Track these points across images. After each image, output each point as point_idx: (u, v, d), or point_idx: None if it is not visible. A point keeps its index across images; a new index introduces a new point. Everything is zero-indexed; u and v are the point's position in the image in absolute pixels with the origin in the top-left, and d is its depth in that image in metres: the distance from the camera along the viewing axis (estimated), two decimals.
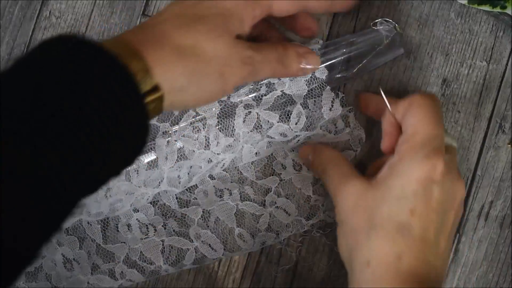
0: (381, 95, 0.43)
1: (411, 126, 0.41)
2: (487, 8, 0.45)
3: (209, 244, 0.46)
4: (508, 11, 0.44)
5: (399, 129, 0.42)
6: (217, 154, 0.45)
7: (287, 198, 0.47)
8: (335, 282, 0.47)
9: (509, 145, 0.48)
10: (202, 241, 0.46)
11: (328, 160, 0.44)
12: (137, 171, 0.45)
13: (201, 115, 0.46)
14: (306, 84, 0.46)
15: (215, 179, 0.47)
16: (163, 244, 0.47)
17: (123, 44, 0.34)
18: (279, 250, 0.48)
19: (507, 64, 0.48)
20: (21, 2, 0.50)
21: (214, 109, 0.46)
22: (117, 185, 0.44)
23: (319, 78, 0.46)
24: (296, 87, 0.46)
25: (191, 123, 0.46)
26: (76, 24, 0.50)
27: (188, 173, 0.46)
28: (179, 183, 0.46)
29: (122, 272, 0.47)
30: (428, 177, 0.39)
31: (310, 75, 0.45)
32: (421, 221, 0.39)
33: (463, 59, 0.48)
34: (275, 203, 0.47)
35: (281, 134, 0.46)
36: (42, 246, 0.31)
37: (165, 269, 0.47)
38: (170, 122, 0.46)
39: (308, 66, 0.43)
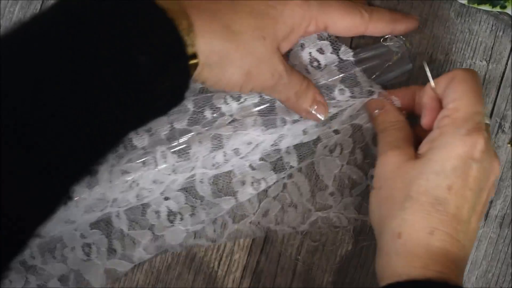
0: (425, 68, 0.43)
1: (453, 101, 0.40)
2: (486, 7, 0.45)
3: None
4: (507, 10, 0.44)
5: (439, 104, 0.42)
6: (257, 135, 0.45)
7: (305, 178, 0.47)
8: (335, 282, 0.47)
9: (509, 145, 0.48)
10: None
11: (392, 122, 0.44)
12: (165, 157, 0.44)
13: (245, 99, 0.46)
14: (337, 70, 0.46)
15: (255, 169, 0.47)
16: (187, 233, 0.47)
17: (176, 4, 0.34)
18: (279, 250, 0.48)
19: (506, 63, 0.48)
20: (21, 2, 0.50)
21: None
22: (145, 175, 0.44)
23: (348, 60, 0.46)
24: (328, 75, 0.46)
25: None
26: None
27: (224, 156, 0.45)
28: (213, 165, 0.45)
29: (140, 256, 0.47)
30: (469, 154, 0.39)
31: (338, 60, 0.46)
32: (457, 198, 0.39)
33: (462, 58, 0.48)
34: (292, 176, 0.47)
35: (333, 106, 0.45)
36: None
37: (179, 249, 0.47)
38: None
39: (314, 113, 0.44)
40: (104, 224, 0.47)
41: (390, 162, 0.41)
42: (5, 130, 0.28)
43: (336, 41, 0.46)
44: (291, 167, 0.47)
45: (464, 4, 0.47)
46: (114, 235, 0.46)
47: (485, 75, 0.48)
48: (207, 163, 0.45)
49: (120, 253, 0.47)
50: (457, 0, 0.47)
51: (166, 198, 0.46)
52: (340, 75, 0.46)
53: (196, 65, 0.35)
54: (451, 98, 0.40)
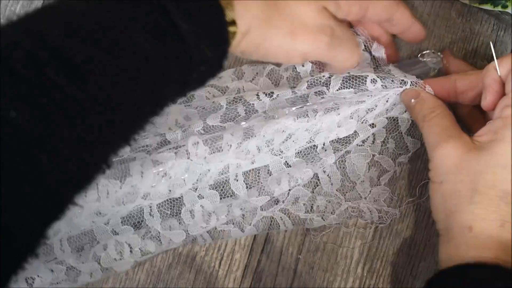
0: (491, 48, 0.43)
1: None
2: (488, 7, 0.45)
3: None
4: (509, 10, 0.44)
5: (502, 86, 0.41)
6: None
7: (337, 168, 0.47)
8: (335, 282, 0.47)
9: None
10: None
11: (430, 109, 0.43)
12: (197, 147, 0.44)
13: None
14: (370, 66, 0.46)
15: (290, 166, 0.46)
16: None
17: None
18: (280, 249, 0.48)
19: None
20: (22, 1, 0.50)
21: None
22: (176, 164, 0.43)
23: (380, 57, 0.46)
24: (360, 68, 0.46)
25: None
26: None
27: (257, 146, 0.45)
28: (246, 155, 0.45)
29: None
30: None
31: (371, 57, 0.46)
32: None
33: (464, 58, 0.48)
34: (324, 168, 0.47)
35: (367, 95, 0.45)
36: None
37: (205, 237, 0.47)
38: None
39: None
40: (136, 221, 0.46)
41: (449, 155, 0.41)
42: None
43: (368, 39, 0.46)
44: (326, 161, 0.46)
45: (465, 4, 0.47)
46: (147, 235, 0.46)
47: None
48: (240, 154, 0.44)
49: (154, 253, 0.46)
50: (458, 0, 0.47)
51: (200, 197, 0.46)
52: (372, 68, 0.46)
53: (234, 33, 0.35)
54: None
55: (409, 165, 0.48)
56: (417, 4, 0.48)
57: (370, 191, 0.47)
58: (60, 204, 0.30)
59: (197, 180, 0.44)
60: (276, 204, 0.47)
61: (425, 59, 0.46)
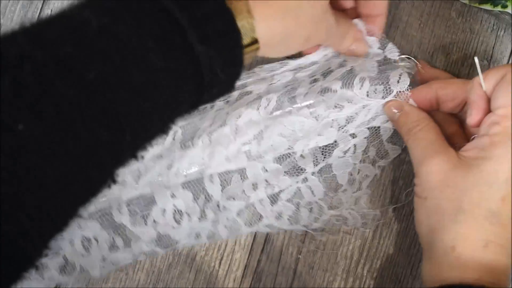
0: (476, 65, 0.41)
1: (504, 107, 0.39)
2: (488, 7, 0.45)
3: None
4: (508, 10, 0.44)
5: (488, 102, 0.40)
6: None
7: (319, 181, 0.47)
8: (334, 282, 0.47)
9: None
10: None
11: (415, 122, 0.43)
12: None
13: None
14: (378, 66, 0.45)
15: (267, 171, 0.46)
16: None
17: None
18: (280, 249, 0.48)
19: (508, 63, 0.48)
20: (22, 1, 0.50)
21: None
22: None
23: (391, 59, 0.46)
24: (367, 66, 0.45)
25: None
26: None
27: (231, 129, 0.45)
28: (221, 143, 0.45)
29: (141, 251, 0.46)
30: None
31: (383, 56, 0.46)
32: (509, 208, 0.38)
33: (464, 58, 0.48)
34: (306, 180, 0.46)
35: (347, 101, 0.44)
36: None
37: (183, 244, 0.46)
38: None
39: (355, 50, 0.45)
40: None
41: (434, 171, 0.40)
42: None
43: (384, 38, 0.46)
44: (305, 171, 0.46)
45: (465, 4, 0.47)
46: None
47: None
48: (215, 138, 0.44)
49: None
50: (458, 0, 0.47)
51: (173, 196, 0.45)
52: (373, 72, 0.45)
53: (257, 49, 0.35)
54: (501, 103, 0.39)
55: (395, 170, 0.48)
56: (417, 4, 0.48)
57: (351, 195, 0.47)
58: (64, 217, 0.30)
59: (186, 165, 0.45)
60: (260, 220, 0.46)
61: (400, 64, 0.46)
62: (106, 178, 0.31)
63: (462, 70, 0.48)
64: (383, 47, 0.46)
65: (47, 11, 0.50)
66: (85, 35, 0.29)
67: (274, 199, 0.46)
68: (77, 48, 0.28)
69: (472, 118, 0.41)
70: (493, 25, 0.48)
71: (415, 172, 0.42)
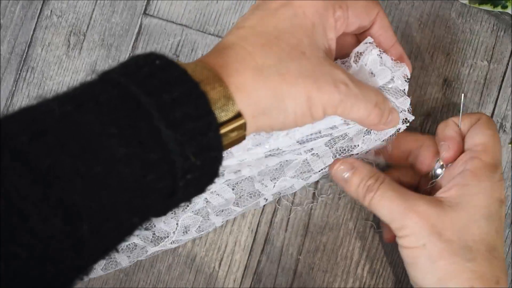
0: (461, 102, 0.44)
1: (482, 145, 0.40)
2: (488, 7, 0.45)
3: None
4: (509, 10, 0.44)
5: (462, 140, 0.42)
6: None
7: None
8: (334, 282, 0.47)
9: (510, 145, 0.48)
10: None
11: (372, 178, 0.41)
12: None
13: None
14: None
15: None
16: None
17: (206, 69, 0.32)
18: (279, 250, 0.48)
19: (508, 63, 0.48)
20: (22, 2, 0.50)
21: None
22: None
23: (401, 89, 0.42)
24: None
25: None
26: (77, 24, 0.50)
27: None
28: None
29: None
30: (501, 197, 0.40)
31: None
32: (501, 240, 0.39)
33: (464, 58, 0.48)
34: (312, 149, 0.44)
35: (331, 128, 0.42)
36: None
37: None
38: None
39: (390, 125, 0.40)
40: None
41: (424, 218, 0.39)
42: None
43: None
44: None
45: (465, 4, 0.47)
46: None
47: (486, 75, 0.48)
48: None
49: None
50: (458, 0, 0.47)
51: None
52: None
53: (243, 124, 0.32)
54: (479, 140, 0.40)
55: None
56: (417, 4, 0.48)
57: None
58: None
59: None
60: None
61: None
62: (69, 277, 0.29)
63: (462, 71, 0.48)
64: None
65: (47, 12, 0.50)
66: (44, 124, 0.28)
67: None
68: (33, 139, 0.27)
69: (449, 152, 0.41)
70: (493, 25, 0.48)
71: (398, 227, 0.40)
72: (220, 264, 0.48)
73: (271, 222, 0.48)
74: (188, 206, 0.45)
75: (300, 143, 0.42)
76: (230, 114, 0.32)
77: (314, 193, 0.48)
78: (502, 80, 0.48)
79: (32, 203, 0.26)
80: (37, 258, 0.26)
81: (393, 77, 0.41)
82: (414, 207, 0.39)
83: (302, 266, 0.48)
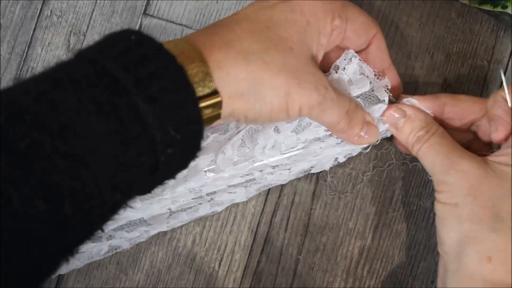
0: (502, 78, 0.41)
1: None
2: (488, 7, 0.45)
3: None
4: (508, 10, 0.44)
5: (510, 118, 0.39)
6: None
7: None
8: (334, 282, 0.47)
9: None
10: None
11: (424, 128, 0.40)
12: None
13: None
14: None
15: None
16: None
17: (187, 44, 0.32)
18: (279, 250, 0.48)
19: (507, 63, 0.48)
20: (22, 2, 0.50)
21: None
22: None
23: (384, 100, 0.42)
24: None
25: None
26: (77, 24, 0.50)
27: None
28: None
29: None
30: None
31: (377, 97, 0.41)
32: None
33: (464, 58, 0.48)
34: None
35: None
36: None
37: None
38: None
39: (365, 137, 0.40)
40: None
41: (464, 177, 0.38)
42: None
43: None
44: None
45: (465, 4, 0.47)
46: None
47: (486, 75, 0.48)
48: None
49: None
50: (458, 0, 0.47)
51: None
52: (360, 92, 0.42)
53: (219, 103, 0.32)
54: None
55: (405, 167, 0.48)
56: (417, 4, 0.48)
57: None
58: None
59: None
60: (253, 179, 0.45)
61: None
62: (49, 253, 0.28)
63: (462, 71, 0.48)
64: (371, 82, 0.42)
65: (47, 12, 0.50)
66: (21, 104, 0.27)
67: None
68: (10, 119, 0.27)
69: (498, 134, 0.40)
70: (493, 25, 0.48)
71: (438, 181, 0.39)
72: (220, 264, 0.48)
73: (271, 222, 0.48)
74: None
75: (287, 158, 0.43)
76: (207, 90, 0.32)
77: (313, 193, 0.48)
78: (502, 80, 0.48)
79: (12, 185, 0.26)
80: (21, 240, 0.26)
81: (373, 87, 0.41)
82: (457, 165, 0.38)
83: (302, 266, 0.48)
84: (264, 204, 0.48)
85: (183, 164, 0.33)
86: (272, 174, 0.45)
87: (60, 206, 0.27)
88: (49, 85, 0.28)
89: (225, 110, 0.33)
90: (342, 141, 0.42)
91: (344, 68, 0.41)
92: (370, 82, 0.41)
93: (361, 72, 0.41)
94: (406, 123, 0.41)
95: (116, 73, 0.29)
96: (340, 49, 0.41)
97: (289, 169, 0.45)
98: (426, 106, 0.42)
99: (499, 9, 0.44)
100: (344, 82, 0.41)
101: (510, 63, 0.48)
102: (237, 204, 0.48)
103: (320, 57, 0.38)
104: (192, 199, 0.45)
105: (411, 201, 0.48)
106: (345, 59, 0.41)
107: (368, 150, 0.45)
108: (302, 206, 0.48)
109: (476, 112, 0.42)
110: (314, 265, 0.48)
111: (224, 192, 0.45)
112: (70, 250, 0.29)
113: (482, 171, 0.38)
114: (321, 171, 0.47)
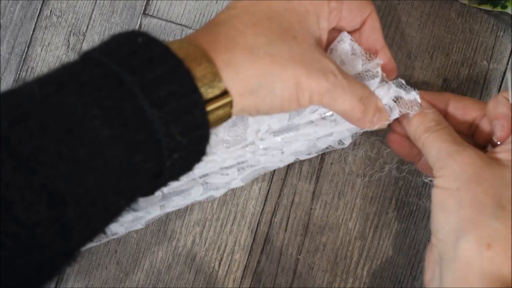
0: (508, 78, 0.41)
1: None
2: (487, 7, 0.45)
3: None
4: (508, 10, 0.44)
5: None
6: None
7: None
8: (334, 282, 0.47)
9: None
10: None
11: (435, 121, 0.40)
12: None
13: None
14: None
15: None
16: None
17: (192, 45, 0.32)
18: (279, 250, 0.48)
19: (507, 63, 0.48)
20: (21, 2, 0.50)
21: None
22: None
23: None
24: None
25: None
26: (77, 24, 0.50)
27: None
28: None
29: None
30: None
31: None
32: None
33: (463, 58, 0.48)
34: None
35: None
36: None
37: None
38: None
39: (377, 123, 0.40)
40: None
41: (468, 163, 0.38)
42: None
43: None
44: None
45: (465, 4, 0.47)
46: None
47: (486, 75, 0.48)
48: None
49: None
50: (458, 0, 0.47)
51: None
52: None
53: (229, 102, 0.32)
54: None
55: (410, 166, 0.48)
56: (417, 4, 0.48)
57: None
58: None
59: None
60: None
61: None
62: (51, 258, 0.28)
63: (462, 71, 0.48)
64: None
65: (46, 12, 0.50)
66: (25, 108, 0.27)
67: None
68: (13, 124, 0.26)
69: (503, 131, 0.40)
70: (493, 25, 0.48)
71: (438, 166, 0.39)
72: (220, 263, 0.48)
73: (270, 222, 0.48)
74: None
75: (280, 140, 0.43)
76: (217, 91, 0.32)
77: (313, 193, 0.48)
78: (502, 80, 0.48)
79: (15, 190, 0.26)
80: (23, 246, 0.26)
81: (366, 67, 0.41)
82: (462, 152, 0.38)
83: (302, 266, 0.48)
84: (264, 204, 0.48)
85: (188, 167, 0.33)
86: (264, 155, 0.45)
87: (63, 212, 0.27)
88: (53, 88, 0.28)
89: (236, 108, 0.33)
90: (336, 124, 0.42)
91: (337, 50, 0.41)
92: (363, 64, 0.41)
93: (352, 53, 0.41)
94: (419, 115, 0.41)
95: (122, 76, 0.29)
96: (335, 30, 0.41)
97: (281, 149, 0.44)
98: (429, 99, 0.42)
99: (498, 9, 0.44)
100: (336, 62, 0.41)
101: (509, 63, 0.48)
102: (237, 203, 0.48)
103: (324, 40, 0.38)
104: (184, 181, 0.45)
105: (411, 201, 0.48)
106: (338, 42, 0.41)
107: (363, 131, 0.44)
108: (302, 206, 0.48)
109: (478, 109, 0.42)
110: (314, 265, 0.48)
111: (217, 174, 0.45)
112: (72, 254, 0.29)
113: (484, 161, 0.38)
114: (321, 172, 0.47)
